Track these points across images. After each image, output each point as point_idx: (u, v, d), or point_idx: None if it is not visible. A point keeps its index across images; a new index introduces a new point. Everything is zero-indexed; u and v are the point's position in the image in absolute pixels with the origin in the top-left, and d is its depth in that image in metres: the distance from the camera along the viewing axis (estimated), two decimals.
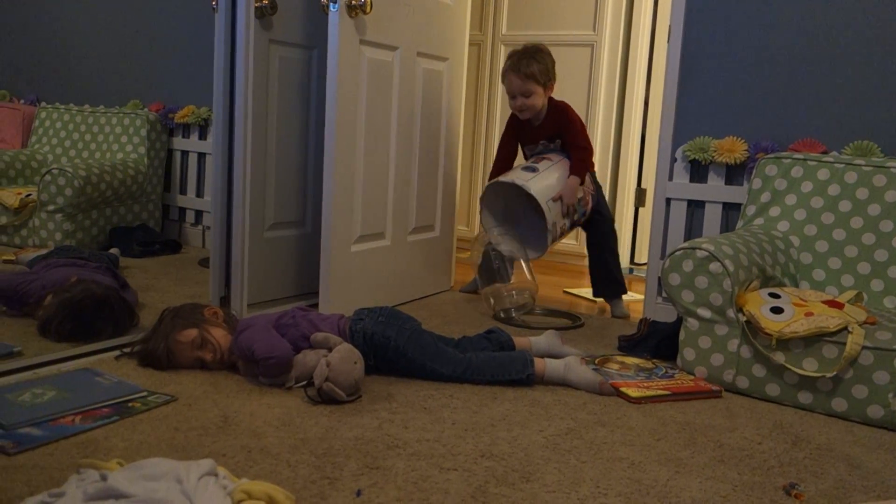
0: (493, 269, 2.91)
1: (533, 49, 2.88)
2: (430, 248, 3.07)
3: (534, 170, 2.81)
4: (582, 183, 2.86)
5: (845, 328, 1.87)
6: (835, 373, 1.86)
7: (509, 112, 3.02)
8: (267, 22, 2.53)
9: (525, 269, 2.89)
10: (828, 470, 1.58)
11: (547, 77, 2.88)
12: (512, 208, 2.98)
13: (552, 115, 2.95)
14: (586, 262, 4.27)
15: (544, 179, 2.78)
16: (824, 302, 2.00)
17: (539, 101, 2.89)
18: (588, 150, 2.97)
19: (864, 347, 1.84)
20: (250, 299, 2.58)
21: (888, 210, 2.24)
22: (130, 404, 1.71)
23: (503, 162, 3.06)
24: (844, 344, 1.85)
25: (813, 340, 1.90)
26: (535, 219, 2.86)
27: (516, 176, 2.80)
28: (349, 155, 2.50)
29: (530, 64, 2.84)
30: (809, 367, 1.91)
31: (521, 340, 2.25)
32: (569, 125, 2.95)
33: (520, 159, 3.08)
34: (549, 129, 2.98)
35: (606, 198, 4.11)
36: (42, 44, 4.04)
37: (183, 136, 3.58)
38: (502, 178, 2.84)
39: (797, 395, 1.94)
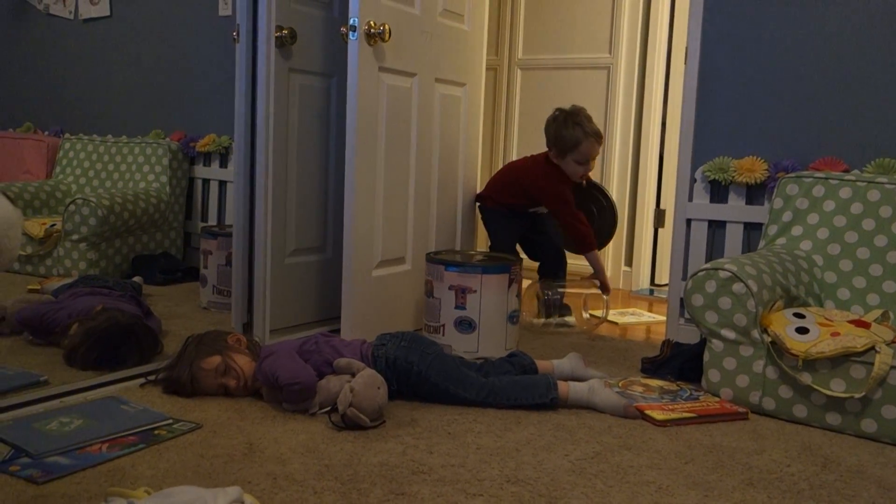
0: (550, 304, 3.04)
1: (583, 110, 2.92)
2: None
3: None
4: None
5: (873, 348, 1.85)
6: (863, 393, 1.84)
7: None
8: (287, 51, 2.57)
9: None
10: (859, 493, 1.56)
11: None
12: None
13: None
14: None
15: None
16: (850, 321, 1.98)
17: None
18: None
19: (892, 367, 1.81)
20: (273, 325, 2.59)
21: None
22: (156, 432, 1.71)
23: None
24: (872, 364, 1.83)
25: (840, 361, 1.87)
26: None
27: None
28: (369, 181, 2.52)
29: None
30: (837, 388, 1.88)
31: (544, 363, 2.24)
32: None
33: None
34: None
35: (626, 218, 4.12)
36: (65, 76, 4.12)
37: (204, 165, 3.62)
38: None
39: (825, 416, 1.92)
